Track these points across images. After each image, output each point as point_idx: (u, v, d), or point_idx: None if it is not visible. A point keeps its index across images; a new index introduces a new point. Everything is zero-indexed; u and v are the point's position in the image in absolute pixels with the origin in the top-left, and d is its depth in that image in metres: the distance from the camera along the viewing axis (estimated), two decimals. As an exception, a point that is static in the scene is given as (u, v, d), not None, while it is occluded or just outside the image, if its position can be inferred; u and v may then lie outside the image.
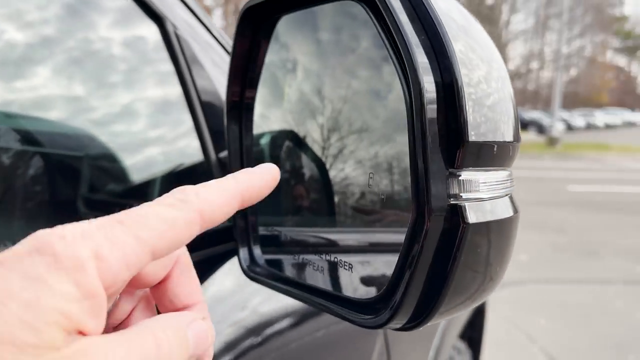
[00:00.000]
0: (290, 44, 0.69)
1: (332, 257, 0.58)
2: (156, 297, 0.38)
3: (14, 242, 0.73)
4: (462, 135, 0.41)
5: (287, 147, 0.74)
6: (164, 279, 0.37)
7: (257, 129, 0.76)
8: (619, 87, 64.61)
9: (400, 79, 0.45)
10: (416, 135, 0.42)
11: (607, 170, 14.69)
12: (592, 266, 5.53)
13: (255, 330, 0.81)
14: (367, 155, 0.55)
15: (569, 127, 35.50)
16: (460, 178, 0.42)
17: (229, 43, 1.05)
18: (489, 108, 0.44)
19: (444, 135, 0.42)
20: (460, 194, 0.42)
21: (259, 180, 0.37)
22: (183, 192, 0.33)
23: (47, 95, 0.77)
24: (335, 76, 0.61)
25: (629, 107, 55.59)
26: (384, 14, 0.45)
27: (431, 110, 0.41)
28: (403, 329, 0.47)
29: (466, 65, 0.43)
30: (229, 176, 0.36)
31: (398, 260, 0.45)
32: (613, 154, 20.61)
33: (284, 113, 0.73)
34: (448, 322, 1.52)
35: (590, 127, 37.60)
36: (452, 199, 0.42)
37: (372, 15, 0.49)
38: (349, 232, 0.60)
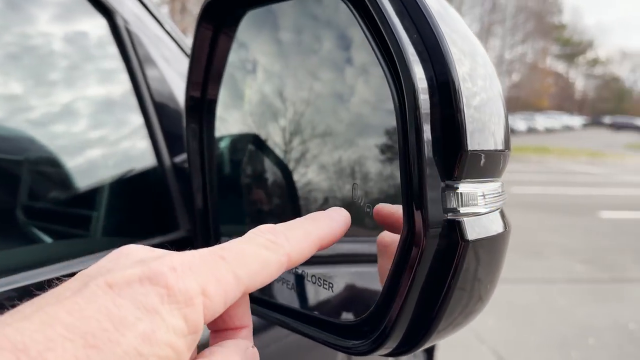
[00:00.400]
0: (252, 44, 0.65)
1: (306, 272, 0.53)
2: None
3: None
4: (460, 143, 0.37)
5: (249, 151, 0.70)
6: None
7: (216, 132, 0.71)
8: (559, 92, 67.30)
9: (388, 81, 0.40)
10: (410, 143, 0.37)
11: (548, 172, 15.22)
12: (537, 266, 5.69)
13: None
14: (330, 160, 0.52)
15: (511, 131, 36.53)
16: (458, 191, 0.38)
17: (184, 41, 0.98)
18: (483, 112, 0.40)
19: (440, 143, 0.38)
20: (459, 209, 0.38)
21: (337, 226, 0.39)
22: (273, 233, 0.35)
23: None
24: (297, 77, 0.58)
25: (567, 111, 57.97)
26: (372, 10, 0.40)
27: (426, 115, 0.37)
28: (393, 354, 0.42)
29: (463, 63, 0.39)
30: (308, 218, 0.38)
31: (387, 279, 0.41)
32: (553, 156, 21.39)
33: (244, 115, 0.68)
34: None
35: (531, 130, 38.93)
36: (449, 214, 0.38)
37: (355, 13, 0.44)
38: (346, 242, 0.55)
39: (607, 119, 54.18)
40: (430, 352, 2.18)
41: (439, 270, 0.39)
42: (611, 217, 8.63)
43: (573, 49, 67.00)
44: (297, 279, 0.54)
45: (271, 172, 0.65)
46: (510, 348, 3.73)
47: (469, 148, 0.37)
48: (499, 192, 0.42)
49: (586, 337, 3.90)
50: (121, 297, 0.27)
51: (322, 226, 0.37)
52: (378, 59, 0.41)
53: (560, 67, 69.56)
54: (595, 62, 70.30)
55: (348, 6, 0.45)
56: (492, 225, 0.41)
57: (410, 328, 0.41)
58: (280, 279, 0.56)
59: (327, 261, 0.52)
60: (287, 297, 0.55)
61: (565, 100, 67.26)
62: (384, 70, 0.40)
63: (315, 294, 0.52)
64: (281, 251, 0.34)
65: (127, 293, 0.27)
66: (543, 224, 7.75)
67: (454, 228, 0.38)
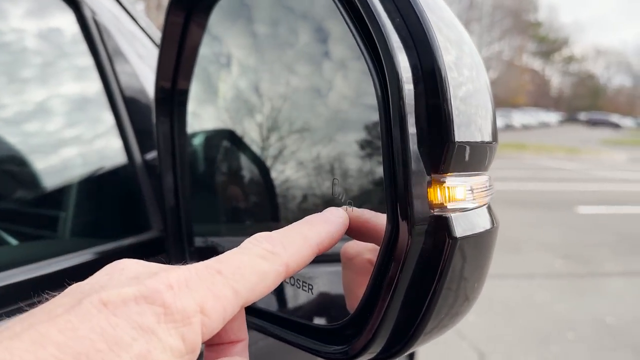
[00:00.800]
0: (226, 37, 0.63)
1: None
2: None
3: None
4: (447, 134, 0.35)
5: (224, 148, 0.68)
6: None
7: (188, 128, 0.68)
8: (535, 89, 68.20)
9: (370, 70, 0.38)
10: (394, 135, 0.35)
11: (525, 168, 15.38)
12: (515, 262, 5.73)
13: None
14: (309, 157, 0.51)
15: (489, 127, 36.81)
16: (445, 185, 0.36)
17: (156, 34, 0.95)
18: (469, 103, 0.38)
19: (425, 135, 0.35)
20: (445, 204, 0.36)
21: (335, 229, 0.37)
22: (270, 242, 0.34)
23: None
24: (273, 72, 0.56)
25: (544, 108, 58.76)
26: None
27: (410, 105, 0.35)
28: (376, 359, 0.40)
29: (448, 51, 0.37)
30: (305, 222, 0.37)
31: (370, 280, 0.38)
32: (530, 152, 21.65)
33: (219, 111, 0.66)
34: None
35: (508, 127, 39.35)
36: (436, 210, 0.36)
37: None
38: None
39: (582, 116, 55.10)
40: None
41: (425, 270, 0.36)
42: (588, 212, 8.76)
43: (549, 47, 67.93)
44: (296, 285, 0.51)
45: (248, 169, 0.63)
46: (491, 344, 3.75)
47: (456, 139, 0.35)
48: (486, 187, 0.40)
49: (565, 332, 3.94)
50: (116, 316, 0.26)
51: (320, 230, 0.36)
52: (359, 46, 0.38)
53: (536, 64, 70.50)
54: (570, 59, 71.37)
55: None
56: (480, 221, 0.39)
57: (394, 332, 0.38)
58: None
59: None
60: (264, 300, 0.53)
61: (541, 97, 68.19)
62: (365, 59, 0.38)
63: (294, 297, 0.49)
64: (279, 261, 0.33)
65: (122, 312, 0.26)
66: (521, 219, 7.83)
67: (441, 225, 0.35)
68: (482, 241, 0.39)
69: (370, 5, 0.36)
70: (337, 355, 0.40)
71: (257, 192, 0.62)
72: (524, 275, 5.32)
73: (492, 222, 0.41)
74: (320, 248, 0.36)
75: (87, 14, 0.74)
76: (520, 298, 4.68)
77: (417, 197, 0.35)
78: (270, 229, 0.59)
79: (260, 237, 0.34)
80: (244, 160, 0.63)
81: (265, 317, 0.50)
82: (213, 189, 0.67)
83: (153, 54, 0.89)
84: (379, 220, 0.39)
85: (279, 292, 0.51)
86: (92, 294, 0.27)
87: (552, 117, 50.12)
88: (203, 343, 0.35)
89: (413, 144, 0.35)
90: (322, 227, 0.37)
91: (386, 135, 0.36)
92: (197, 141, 0.69)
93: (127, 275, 0.29)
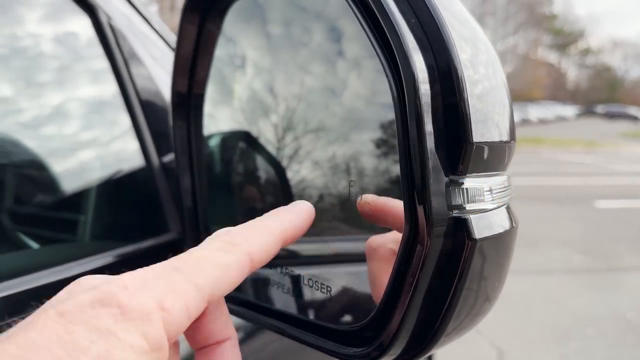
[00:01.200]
0: (240, 38, 0.63)
1: (302, 274, 0.51)
2: (189, 335, 0.36)
3: None
4: (465, 134, 0.34)
5: (240, 149, 0.68)
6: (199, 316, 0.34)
7: (205, 130, 0.68)
8: (551, 83, 67.45)
9: (385, 71, 0.37)
10: (411, 137, 0.35)
11: (541, 163, 15.23)
12: (533, 257, 5.68)
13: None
14: (324, 156, 0.51)
15: (505, 122, 36.52)
16: (463, 186, 0.35)
17: (171, 37, 0.95)
18: (486, 101, 0.37)
19: (442, 136, 0.35)
20: (464, 205, 0.35)
21: (299, 220, 0.37)
22: (229, 235, 0.34)
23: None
24: (288, 72, 0.56)
25: (560, 101, 58.10)
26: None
27: (426, 105, 0.34)
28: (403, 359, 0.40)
29: (464, 50, 0.36)
30: (268, 214, 0.37)
31: (389, 282, 0.38)
32: (547, 147, 21.42)
33: (235, 112, 0.66)
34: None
35: (524, 122, 38.98)
36: (454, 211, 0.35)
37: None
38: (319, 242, 0.53)
39: (600, 108, 54.32)
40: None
41: (445, 272, 0.36)
42: (607, 206, 8.65)
43: (565, 39, 67.11)
44: (293, 282, 0.51)
45: (264, 169, 0.63)
46: (509, 340, 3.72)
47: (474, 140, 0.34)
48: (505, 187, 0.40)
49: (585, 328, 3.90)
50: (73, 323, 0.26)
51: (283, 220, 0.36)
52: (374, 47, 0.38)
53: (552, 57, 69.71)
54: (587, 51, 70.45)
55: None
56: (499, 222, 0.38)
57: (415, 333, 0.38)
58: (275, 283, 0.53)
59: (324, 261, 0.50)
60: (283, 301, 0.53)
61: (558, 90, 67.43)
62: (380, 60, 0.38)
63: (313, 298, 0.49)
64: (240, 251, 0.33)
65: (79, 318, 0.26)
66: (538, 214, 7.76)
67: (460, 226, 0.35)
68: (501, 241, 0.39)
69: (385, 6, 0.36)
70: (357, 358, 0.40)
71: (273, 192, 0.62)
72: (542, 270, 5.27)
73: (512, 222, 0.41)
74: (283, 237, 0.36)
75: (103, 19, 0.75)
76: (539, 294, 4.65)
77: (435, 199, 0.34)
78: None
79: (220, 231, 0.35)
80: (260, 161, 0.64)
81: (285, 320, 0.50)
82: (229, 189, 0.67)
83: (168, 56, 0.90)
84: (394, 204, 0.39)
85: (297, 293, 0.51)
86: (49, 309, 0.27)
87: (569, 110, 49.52)
88: (191, 347, 0.36)
89: (430, 145, 0.35)
90: (286, 217, 0.37)
91: (403, 137, 0.36)
92: (214, 142, 0.70)
93: (85, 287, 0.29)
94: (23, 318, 0.55)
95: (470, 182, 0.36)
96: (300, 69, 0.54)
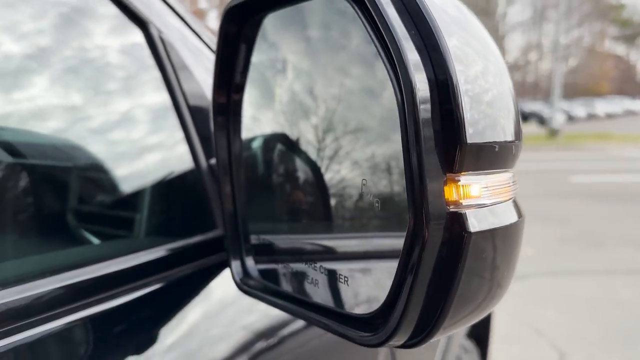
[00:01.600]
0: (278, 43, 0.67)
1: (327, 267, 0.55)
2: None
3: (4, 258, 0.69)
4: (459, 136, 0.38)
5: (280, 150, 0.72)
6: None
7: (248, 132, 0.73)
8: (619, 76, 64.37)
9: (390, 77, 0.41)
10: (409, 137, 0.38)
11: (609, 159, 14.59)
12: (598, 257, 5.48)
13: (254, 341, 0.78)
14: (363, 156, 0.52)
15: (570, 118, 35.35)
16: (459, 183, 0.39)
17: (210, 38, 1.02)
18: (487, 105, 0.41)
19: (439, 138, 0.38)
20: (460, 201, 0.39)
21: None
22: None
23: (25, 106, 0.74)
24: (327, 75, 0.58)
25: (629, 95, 55.34)
26: (370, 8, 0.41)
27: (425, 111, 0.38)
28: (405, 346, 0.44)
29: (461, 60, 0.40)
30: None
31: (396, 273, 0.42)
32: (614, 143, 20.48)
33: (276, 114, 0.70)
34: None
35: (591, 117, 37.42)
36: (451, 207, 0.39)
37: (358, 10, 0.45)
38: (345, 239, 0.57)
39: (673, 102, 51.37)
40: (484, 347, 2.15)
41: (445, 263, 0.39)
42: (678, 204, 8.21)
43: (634, 30, 63.86)
44: (316, 274, 0.56)
45: (304, 169, 0.66)
46: (571, 342, 3.62)
47: (468, 141, 0.38)
48: (506, 183, 0.43)
49: (652, 330, 3.74)
50: None
51: None
52: (381, 57, 0.42)
53: (619, 49, 66.48)
54: (658, 42, 66.78)
55: (352, 6, 0.46)
56: (500, 216, 0.42)
57: (420, 320, 0.42)
58: (300, 274, 0.58)
59: (344, 257, 0.53)
60: (310, 292, 0.57)
61: (626, 83, 64.23)
62: (386, 68, 0.42)
63: (332, 288, 0.53)
64: None
65: None
66: (603, 213, 7.46)
67: (457, 220, 0.39)
68: (503, 233, 0.42)
69: (386, 19, 0.40)
70: (366, 340, 0.44)
71: (313, 191, 0.66)
72: (607, 271, 5.08)
73: (518, 215, 0.44)
74: None
75: (154, 33, 0.82)
76: (603, 295, 4.48)
77: (432, 195, 0.38)
78: (323, 229, 0.63)
79: None
80: (299, 162, 0.67)
81: (307, 307, 0.55)
82: (268, 190, 0.72)
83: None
84: None
85: (320, 284, 0.55)
86: None
87: (639, 104, 47.10)
88: None
89: (429, 146, 0.38)
90: None
91: (404, 137, 0.39)
92: (256, 144, 0.75)
93: None
94: (84, 305, 0.62)
95: (466, 180, 0.39)
96: (340, 71, 0.56)
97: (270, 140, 0.73)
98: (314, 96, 0.61)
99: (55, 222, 0.81)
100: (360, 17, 0.45)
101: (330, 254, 0.57)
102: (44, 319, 0.59)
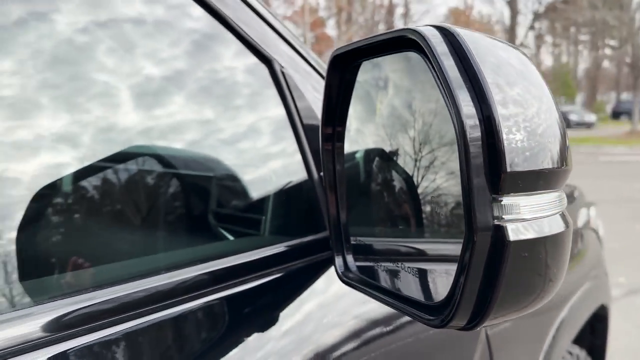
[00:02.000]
0: (381, 64, 0.76)
1: (409, 266, 0.67)
2: None
3: (157, 250, 0.90)
4: (501, 166, 0.48)
5: (379, 160, 0.82)
6: None
7: (352, 143, 0.85)
8: None
9: (450, 113, 0.52)
10: (462, 165, 0.50)
11: None
12: None
13: (361, 331, 0.91)
14: (457, 168, 0.62)
15: None
16: (502, 203, 0.49)
17: (324, 68, 1.16)
18: (530, 139, 0.50)
19: (487, 166, 0.49)
20: (502, 216, 0.49)
21: None
22: None
23: (166, 121, 0.93)
24: (425, 91, 0.66)
25: None
26: (432, 62, 0.53)
27: (474, 146, 0.49)
28: (463, 329, 0.55)
29: (506, 103, 0.50)
30: None
31: (456, 271, 0.53)
32: None
33: (377, 127, 0.79)
34: (560, 327, 1.52)
35: None
36: (496, 220, 0.49)
37: (427, 62, 0.57)
38: (427, 243, 0.68)
39: None
40: (598, 358, 2.10)
41: (493, 263, 0.50)
42: None
43: None
44: (401, 271, 0.68)
45: (401, 178, 0.76)
46: None
47: (508, 170, 0.48)
48: (551, 201, 0.52)
49: None
50: None
51: None
52: (444, 99, 0.53)
53: None
54: None
55: (423, 59, 0.58)
56: (544, 227, 0.51)
57: (474, 310, 0.53)
58: (388, 270, 0.71)
59: (423, 258, 0.65)
60: (393, 283, 0.70)
61: None
62: (447, 106, 0.53)
63: (412, 282, 0.66)
64: None
65: None
66: None
67: (499, 232, 0.49)
68: (548, 241, 0.51)
69: (444, 71, 0.51)
70: (432, 323, 0.56)
71: (410, 199, 0.76)
72: None
73: (564, 226, 0.53)
74: None
75: (277, 67, 0.98)
76: None
77: (480, 211, 0.49)
78: (409, 233, 0.75)
79: None
80: (398, 171, 0.77)
81: (392, 296, 0.67)
82: (366, 197, 0.85)
83: (322, 85, 1.10)
84: None
85: (402, 277, 0.68)
86: None
87: None
88: None
89: (479, 172, 0.49)
90: None
91: (461, 163, 0.50)
92: (359, 155, 0.87)
93: None
94: (220, 288, 0.79)
95: (508, 200, 0.49)
96: (436, 88, 0.62)
97: (371, 153, 0.85)
98: (412, 110, 0.70)
99: (198, 221, 1.00)
100: (428, 67, 0.57)
101: (412, 255, 0.69)
102: (188, 298, 0.75)
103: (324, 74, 1.06)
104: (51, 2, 0.75)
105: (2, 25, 0.69)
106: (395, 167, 0.75)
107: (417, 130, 0.67)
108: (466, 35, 0.53)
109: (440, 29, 0.54)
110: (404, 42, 0.60)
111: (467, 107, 0.50)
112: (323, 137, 0.81)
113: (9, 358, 0.56)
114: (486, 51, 0.53)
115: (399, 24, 41.78)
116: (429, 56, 0.54)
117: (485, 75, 0.50)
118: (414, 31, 0.55)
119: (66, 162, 0.75)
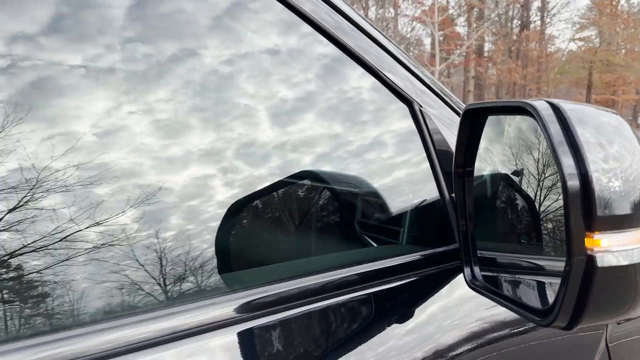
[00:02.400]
0: (501, 120, 0.94)
1: (525, 277, 0.85)
2: None
3: (310, 254, 1.17)
4: (591, 212, 0.65)
5: (503, 181, 1.00)
6: None
7: (481, 161, 1.02)
8: None
9: (557, 169, 0.70)
10: (565, 208, 0.67)
11: None
12: None
13: (488, 330, 1.09)
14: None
15: None
16: (593, 238, 0.66)
17: (456, 102, 1.33)
18: (624, 185, 0.66)
19: (583, 210, 0.66)
20: (593, 248, 0.66)
21: None
22: None
23: (302, 136, 1.16)
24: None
25: None
26: (539, 124, 0.71)
27: (573, 196, 0.66)
28: (564, 328, 0.72)
29: (607, 159, 0.67)
30: None
31: (559, 285, 0.71)
32: None
33: (504, 147, 0.97)
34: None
35: None
36: (589, 251, 0.66)
37: (539, 125, 0.74)
38: (540, 259, 0.86)
39: None
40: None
41: (584, 283, 0.67)
42: None
43: None
44: (519, 281, 0.86)
45: (523, 197, 0.93)
46: None
47: (599, 214, 0.65)
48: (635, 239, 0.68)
49: None
50: None
51: None
52: (550, 152, 0.71)
53: None
54: None
55: (537, 121, 0.75)
56: (632, 257, 0.67)
57: (572, 315, 0.70)
58: (508, 280, 0.89)
59: (538, 273, 0.83)
60: (512, 291, 0.88)
61: None
62: (557, 164, 0.70)
63: (527, 291, 0.84)
64: None
65: None
66: None
67: (590, 259, 0.66)
68: (629, 269, 0.67)
69: (552, 137, 0.69)
70: (539, 322, 0.74)
71: (531, 216, 0.93)
72: None
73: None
74: None
75: (416, 107, 1.18)
76: None
77: (576, 242, 0.66)
78: (533, 249, 0.92)
79: None
80: (517, 192, 0.94)
81: (512, 302, 0.85)
82: (493, 214, 1.02)
83: (453, 119, 1.27)
84: None
85: (521, 287, 0.86)
86: None
87: None
88: None
89: (577, 215, 0.66)
90: None
91: (564, 206, 0.68)
92: (486, 173, 1.04)
93: None
94: (366, 287, 1.01)
95: (598, 236, 0.66)
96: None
97: (497, 175, 1.03)
98: (537, 133, 0.84)
99: (346, 230, 1.22)
100: (540, 129, 0.74)
101: (527, 269, 0.87)
102: (337, 294, 0.96)
103: (455, 107, 1.24)
104: (198, 39, 0.90)
105: (158, 61, 0.85)
106: (519, 186, 0.92)
107: (540, 152, 0.85)
108: (569, 107, 0.70)
109: (550, 103, 0.72)
110: (522, 109, 0.78)
111: (568, 163, 0.67)
112: (455, 174, 1.00)
113: (217, 329, 0.81)
114: (587, 118, 0.69)
115: (534, 20, 39.54)
116: (539, 123, 0.71)
117: (581, 139, 0.67)
118: (530, 105, 0.74)
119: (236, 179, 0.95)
